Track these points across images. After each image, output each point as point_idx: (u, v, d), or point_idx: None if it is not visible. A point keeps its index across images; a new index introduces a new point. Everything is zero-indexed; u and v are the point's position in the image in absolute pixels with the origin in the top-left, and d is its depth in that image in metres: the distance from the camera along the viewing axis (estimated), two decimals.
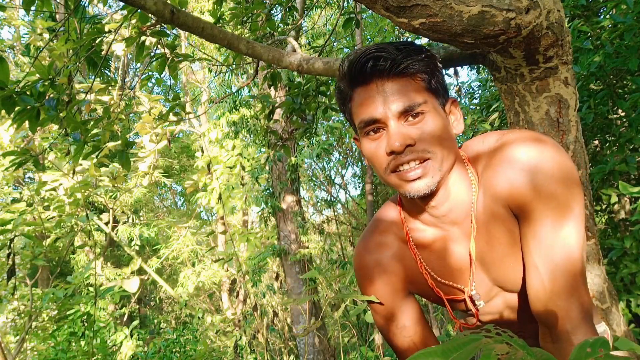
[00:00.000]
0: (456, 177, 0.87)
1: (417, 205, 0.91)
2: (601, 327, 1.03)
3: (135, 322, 6.01)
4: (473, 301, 0.94)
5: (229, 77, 8.71)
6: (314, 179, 10.27)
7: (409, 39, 6.90)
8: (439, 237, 0.92)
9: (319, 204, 10.18)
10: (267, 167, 7.32)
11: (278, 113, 5.47)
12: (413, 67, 0.81)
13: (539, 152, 0.80)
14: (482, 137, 0.92)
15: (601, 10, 3.04)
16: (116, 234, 8.26)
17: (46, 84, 2.08)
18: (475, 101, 4.77)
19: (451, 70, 6.43)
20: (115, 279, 7.03)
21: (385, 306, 0.99)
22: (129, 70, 12.18)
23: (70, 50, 2.39)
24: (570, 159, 0.82)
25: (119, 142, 2.39)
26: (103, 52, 2.83)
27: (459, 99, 5.12)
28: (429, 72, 0.83)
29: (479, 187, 0.88)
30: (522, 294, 0.93)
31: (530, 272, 0.83)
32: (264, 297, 8.18)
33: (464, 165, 0.90)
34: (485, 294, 0.94)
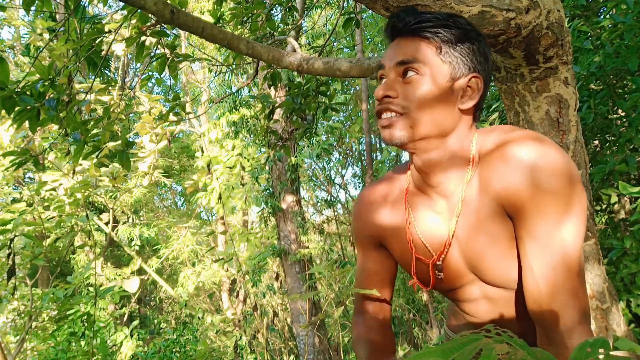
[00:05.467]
0: (455, 155, 0.89)
1: (416, 168, 0.95)
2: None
3: (135, 322, 6.02)
4: (435, 271, 0.96)
5: (229, 77, 8.70)
6: (314, 179, 10.26)
7: None
8: (427, 205, 0.96)
9: (319, 204, 10.17)
10: (267, 167, 7.32)
11: (278, 113, 5.47)
12: (427, 31, 0.85)
13: (539, 151, 0.79)
14: (489, 130, 0.92)
15: (601, 10, 3.04)
16: (116, 234, 8.26)
17: (46, 84, 2.08)
18: None
19: None
20: (115, 279, 7.03)
21: (365, 238, 1.08)
22: (129, 70, 12.18)
23: (70, 50, 2.39)
24: (571, 160, 0.81)
25: (119, 142, 2.39)
26: (103, 52, 2.83)
27: None
28: (445, 40, 0.85)
29: (477, 177, 0.88)
30: (507, 292, 0.92)
31: (526, 273, 0.83)
32: (264, 297, 8.18)
33: (468, 149, 0.90)
34: (456, 276, 0.95)
